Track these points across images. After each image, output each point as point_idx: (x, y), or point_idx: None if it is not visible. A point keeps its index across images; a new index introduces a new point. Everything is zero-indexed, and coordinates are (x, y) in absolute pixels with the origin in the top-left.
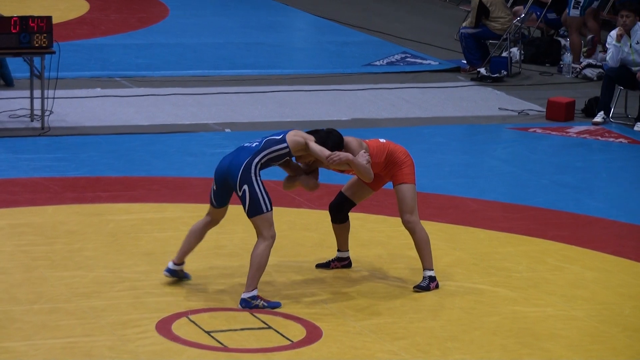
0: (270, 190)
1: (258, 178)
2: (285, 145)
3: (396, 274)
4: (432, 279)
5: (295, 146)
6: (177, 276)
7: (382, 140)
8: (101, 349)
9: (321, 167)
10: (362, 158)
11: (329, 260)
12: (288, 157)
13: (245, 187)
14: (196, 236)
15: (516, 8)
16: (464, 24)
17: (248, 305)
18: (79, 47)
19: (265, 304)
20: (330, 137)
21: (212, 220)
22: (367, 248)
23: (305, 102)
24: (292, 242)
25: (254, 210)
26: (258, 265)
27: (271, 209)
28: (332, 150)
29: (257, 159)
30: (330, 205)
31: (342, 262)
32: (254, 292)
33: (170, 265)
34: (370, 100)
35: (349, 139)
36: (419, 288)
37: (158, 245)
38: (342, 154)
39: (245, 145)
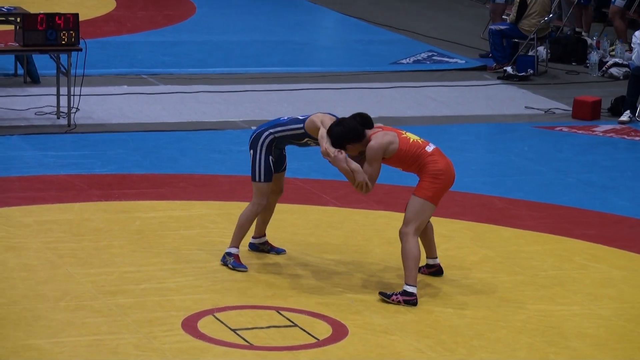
0: (297, 188)
1: (264, 148)
2: (301, 125)
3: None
4: (406, 293)
5: (309, 127)
6: (259, 250)
7: (428, 148)
8: (127, 347)
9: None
10: (358, 176)
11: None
12: (308, 138)
13: (252, 152)
14: (267, 208)
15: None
16: (508, 19)
17: (222, 259)
18: (105, 44)
19: (231, 264)
20: (334, 129)
21: (275, 189)
22: (394, 246)
23: (331, 100)
24: (318, 240)
25: (252, 175)
26: (240, 226)
27: (265, 181)
28: (337, 142)
29: (272, 131)
30: None
31: (431, 269)
32: (233, 250)
33: (251, 239)
34: (397, 99)
35: (378, 139)
36: (382, 295)
37: (184, 243)
38: (333, 155)
39: (281, 118)
